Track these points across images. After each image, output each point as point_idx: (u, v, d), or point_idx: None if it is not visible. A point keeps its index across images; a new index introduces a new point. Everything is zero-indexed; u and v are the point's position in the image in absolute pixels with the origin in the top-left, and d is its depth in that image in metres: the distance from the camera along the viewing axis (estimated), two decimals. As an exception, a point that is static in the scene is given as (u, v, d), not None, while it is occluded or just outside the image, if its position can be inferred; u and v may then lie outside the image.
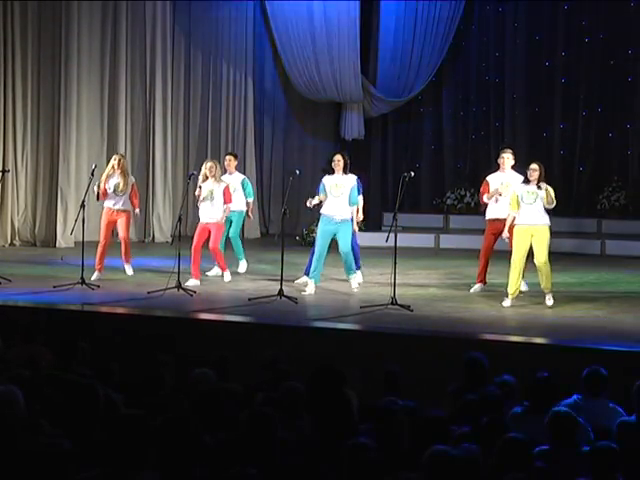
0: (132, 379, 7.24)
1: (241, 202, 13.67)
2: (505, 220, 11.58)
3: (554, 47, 18.64)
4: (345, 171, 12.18)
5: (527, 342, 9.61)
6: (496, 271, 12.48)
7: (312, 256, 12.42)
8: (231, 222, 13.55)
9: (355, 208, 12.22)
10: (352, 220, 12.20)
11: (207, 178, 12.77)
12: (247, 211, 13.86)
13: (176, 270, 11.82)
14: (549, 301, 11.19)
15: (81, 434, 5.50)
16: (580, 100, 18.50)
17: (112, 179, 12.99)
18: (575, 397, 6.79)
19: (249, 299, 11.50)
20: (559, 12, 18.53)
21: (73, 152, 17.02)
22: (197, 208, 12.97)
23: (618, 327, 10.19)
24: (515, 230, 11.26)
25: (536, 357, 8.95)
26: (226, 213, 12.83)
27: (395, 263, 11.15)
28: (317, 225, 12.61)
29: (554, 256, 11.42)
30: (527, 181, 11.23)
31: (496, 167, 12.72)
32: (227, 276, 12.88)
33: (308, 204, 12.43)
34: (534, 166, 11.21)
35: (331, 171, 12.31)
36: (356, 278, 12.36)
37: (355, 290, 12.08)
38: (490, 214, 12.30)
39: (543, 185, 11.11)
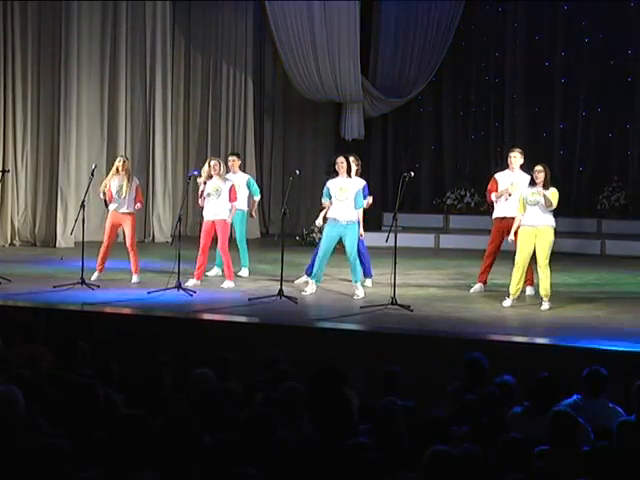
0: (132, 379, 7.24)
1: (244, 201, 13.63)
2: (512, 219, 11.58)
3: (554, 47, 18.65)
4: (349, 174, 12.10)
5: (527, 342, 9.61)
6: (498, 271, 12.49)
7: (314, 256, 12.39)
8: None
9: (361, 211, 12.07)
10: (358, 223, 12.01)
11: (211, 176, 12.68)
12: (251, 210, 13.80)
13: (176, 270, 11.82)
14: (544, 305, 11.12)
15: (81, 434, 5.50)
16: (580, 100, 18.50)
17: (115, 182, 12.90)
18: (575, 397, 6.79)
19: (249, 299, 11.50)
20: (559, 12, 18.54)
21: (73, 152, 17.02)
22: (199, 207, 12.85)
23: (618, 327, 10.19)
24: (520, 231, 11.26)
25: (536, 357, 8.95)
26: (232, 213, 12.74)
27: (395, 263, 11.14)
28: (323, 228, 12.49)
29: (554, 256, 11.40)
30: (533, 183, 11.24)
31: (504, 166, 12.72)
32: (229, 284, 12.71)
33: (317, 224, 12.46)
34: (539, 168, 11.22)
35: (334, 174, 12.25)
36: (360, 288, 11.93)
37: (355, 298, 11.84)
38: (498, 212, 12.28)
39: (548, 192, 11.09)
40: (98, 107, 17.71)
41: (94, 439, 5.42)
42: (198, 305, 11.34)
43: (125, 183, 12.85)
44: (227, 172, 13.34)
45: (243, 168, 13.97)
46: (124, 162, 13.01)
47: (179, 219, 12.78)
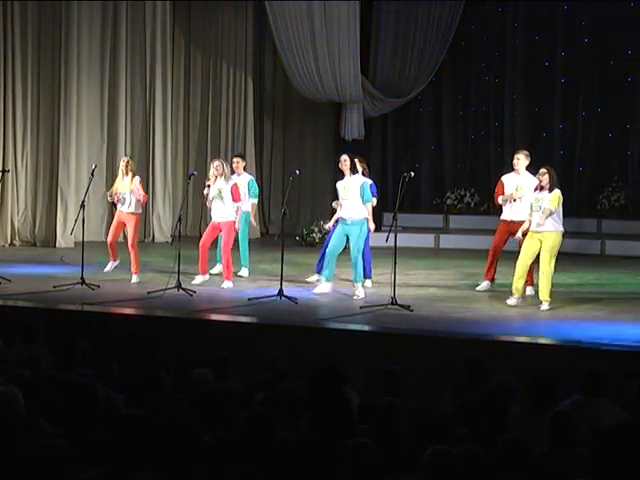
0: (132, 379, 7.24)
1: (248, 203, 13.61)
2: (519, 223, 11.64)
3: (554, 47, 18.63)
4: (353, 171, 12.08)
5: (527, 342, 9.61)
6: (499, 271, 12.51)
7: (322, 254, 12.39)
8: None
9: (369, 205, 12.00)
10: (367, 219, 11.96)
11: (216, 178, 12.64)
12: (251, 215, 13.73)
13: (176, 270, 11.82)
14: (543, 306, 11.12)
15: (81, 434, 5.50)
16: (580, 100, 18.49)
17: (122, 183, 12.95)
18: (575, 397, 6.78)
19: (249, 299, 11.50)
20: (559, 12, 18.52)
21: (73, 152, 17.02)
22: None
23: (618, 327, 10.19)
24: (528, 234, 11.30)
25: (536, 357, 8.95)
26: (238, 214, 12.73)
27: (395, 263, 11.14)
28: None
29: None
30: (541, 187, 11.24)
31: (504, 166, 12.76)
32: (228, 284, 12.67)
33: (327, 227, 12.56)
34: (543, 170, 11.24)
35: (341, 174, 12.26)
36: (360, 289, 11.90)
37: (355, 298, 11.80)
38: (505, 215, 12.30)
39: (549, 196, 11.09)
40: (98, 107, 17.72)
41: (94, 439, 5.42)
42: (198, 305, 11.33)
43: (127, 182, 12.86)
44: (232, 173, 13.25)
45: (243, 168, 13.93)
46: (127, 163, 13.01)
47: (179, 219, 12.76)
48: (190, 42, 18.93)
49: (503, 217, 12.31)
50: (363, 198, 11.91)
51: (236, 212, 12.61)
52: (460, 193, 19.04)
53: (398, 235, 11.33)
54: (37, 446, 4.89)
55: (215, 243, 13.04)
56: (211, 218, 12.84)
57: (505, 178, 12.39)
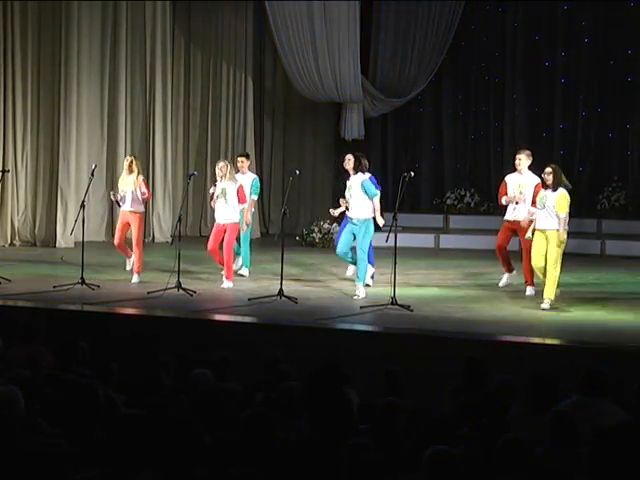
0: (132, 379, 7.24)
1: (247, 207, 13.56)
2: (520, 223, 11.81)
3: (554, 47, 18.64)
4: (356, 170, 12.07)
5: (527, 342, 9.61)
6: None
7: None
8: None
9: (376, 199, 11.91)
10: (376, 214, 11.90)
11: (221, 179, 12.63)
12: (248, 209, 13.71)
13: (176, 270, 11.82)
14: (544, 304, 11.13)
15: (81, 434, 5.50)
16: (580, 100, 18.51)
17: (125, 181, 12.94)
18: (575, 397, 6.78)
19: (249, 299, 11.50)
20: (559, 12, 18.53)
21: (73, 152, 17.02)
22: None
23: (618, 327, 10.19)
24: (535, 233, 11.35)
25: (536, 357, 8.95)
26: (245, 217, 12.74)
27: (395, 263, 11.14)
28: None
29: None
30: (546, 186, 11.27)
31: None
32: (228, 284, 12.66)
33: (331, 211, 12.56)
34: (548, 169, 11.27)
35: (346, 174, 12.27)
36: (361, 288, 11.84)
37: (355, 298, 11.77)
38: (508, 216, 12.32)
39: (554, 195, 11.15)
40: (98, 107, 17.71)
41: (94, 439, 5.42)
42: (198, 305, 11.33)
43: (131, 182, 12.85)
44: (236, 172, 13.21)
45: (248, 167, 13.87)
46: (130, 162, 12.98)
47: (179, 219, 12.75)
48: (190, 42, 18.93)
49: (506, 217, 12.33)
50: (368, 194, 11.90)
51: (241, 213, 12.63)
52: (460, 193, 19.05)
53: (398, 235, 11.33)
54: (37, 446, 4.89)
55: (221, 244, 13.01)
56: (214, 219, 12.84)
57: (508, 178, 12.40)
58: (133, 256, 12.89)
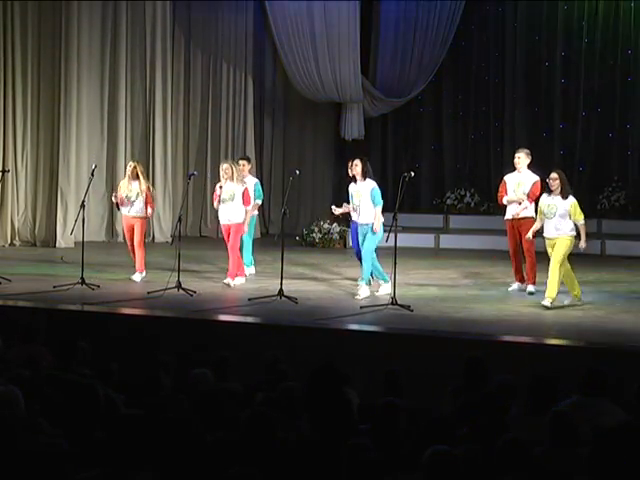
0: (132, 379, 7.24)
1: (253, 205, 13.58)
2: (521, 219, 11.92)
3: (554, 47, 18.65)
4: (364, 176, 12.06)
5: (527, 342, 9.61)
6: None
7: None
8: None
9: (379, 209, 11.93)
10: (376, 219, 11.88)
11: (225, 181, 12.62)
12: (248, 216, 13.71)
13: (176, 270, 11.82)
14: (544, 301, 11.16)
15: (81, 434, 5.50)
16: (580, 100, 18.51)
17: (128, 187, 12.94)
18: (575, 397, 6.79)
19: (249, 299, 11.50)
20: (559, 12, 18.53)
21: (73, 152, 17.02)
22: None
23: (618, 327, 10.19)
24: (546, 242, 11.41)
25: (536, 357, 8.95)
26: (247, 218, 12.76)
27: (395, 263, 11.14)
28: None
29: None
30: (549, 190, 11.29)
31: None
32: (232, 283, 12.66)
33: (333, 208, 12.59)
34: (554, 175, 11.30)
35: (348, 178, 12.25)
36: (364, 288, 11.84)
37: (357, 298, 11.71)
38: (508, 214, 12.34)
39: (569, 203, 11.21)
40: (98, 107, 17.72)
41: (94, 439, 5.42)
42: (198, 305, 11.33)
43: (134, 188, 12.85)
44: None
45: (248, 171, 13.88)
46: (134, 167, 12.98)
47: (179, 219, 12.76)
48: (190, 41, 18.93)
49: (506, 217, 12.35)
50: (374, 202, 11.92)
51: (245, 215, 12.65)
52: (460, 193, 19.06)
53: (398, 235, 11.33)
54: (37, 446, 4.90)
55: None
56: (218, 220, 12.86)
57: (507, 177, 12.43)
58: (134, 276, 12.88)
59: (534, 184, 12.02)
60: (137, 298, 11.67)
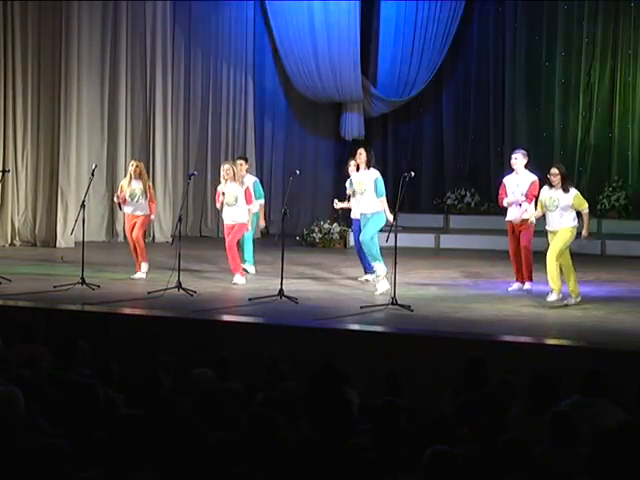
0: (132, 379, 7.24)
1: (255, 204, 13.57)
2: (524, 222, 11.93)
3: (554, 47, 18.64)
4: (368, 165, 12.13)
5: (527, 342, 9.61)
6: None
7: (362, 255, 12.41)
8: None
9: (383, 199, 12.05)
10: (385, 211, 12.07)
11: (226, 182, 12.65)
12: (258, 213, 13.76)
13: (176, 270, 11.82)
14: (549, 297, 11.23)
15: (81, 434, 5.50)
16: (580, 100, 18.50)
17: (130, 186, 12.95)
18: (575, 397, 6.79)
19: (249, 299, 11.50)
20: (559, 12, 18.53)
21: (73, 152, 17.02)
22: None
23: (618, 327, 10.19)
24: (548, 235, 11.47)
25: (536, 357, 8.95)
26: (250, 217, 12.82)
27: (395, 263, 11.15)
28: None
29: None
30: (550, 185, 11.34)
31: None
32: (239, 279, 12.73)
33: (334, 203, 12.72)
34: (554, 171, 11.34)
35: (356, 168, 12.29)
36: (383, 284, 11.95)
37: (376, 294, 11.85)
38: (509, 216, 12.36)
39: (571, 196, 11.23)
40: (98, 108, 17.72)
41: (94, 439, 5.42)
42: (198, 305, 11.33)
43: (137, 187, 12.88)
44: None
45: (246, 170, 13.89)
46: (136, 167, 13.02)
47: (179, 219, 12.77)
48: (190, 42, 18.92)
49: (507, 218, 12.36)
50: (377, 192, 11.97)
51: (248, 213, 12.72)
52: (460, 193, 19.05)
53: (398, 235, 11.33)
54: (37, 446, 4.89)
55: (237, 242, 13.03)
56: (220, 220, 12.91)
57: (506, 179, 12.44)
58: (142, 268, 12.91)
59: (532, 184, 12.04)
60: (137, 298, 11.67)
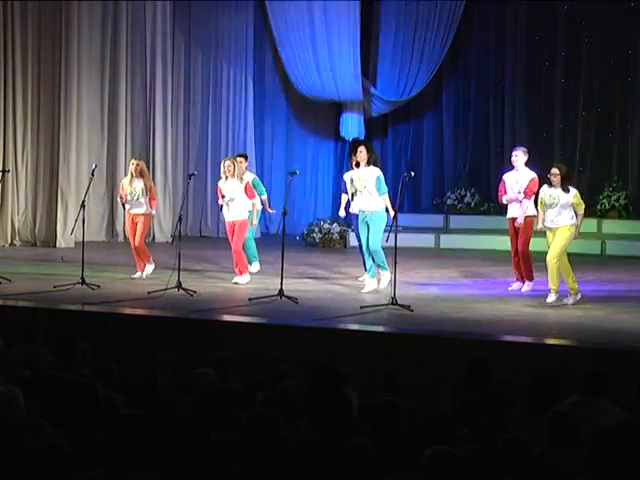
0: (132, 379, 7.24)
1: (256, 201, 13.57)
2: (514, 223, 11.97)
3: (554, 47, 18.64)
4: (369, 162, 12.09)
5: (527, 342, 9.61)
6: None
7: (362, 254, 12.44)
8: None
9: (386, 197, 12.00)
10: (386, 209, 12.01)
11: (227, 178, 12.66)
12: (264, 208, 13.77)
13: (176, 270, 11.82)
14: (548, 298, 11.24)
15: (81, 434, 5.50)
16: (580, 100, 18.51)
17: (132, 185, 12.95)
18: (575, 397, 6.78)
19: (249, 299, 11.49)
20: (559, 12, 18.53)
21: (73, 152, 17.02)
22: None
23: (618, 327, 10.19)
24: (546, 233, 11.50)
25: (536, 357, 8.95)
26: (255, 212, 12.81)
27: (395, 263, 11.15)
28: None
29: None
30: (550, 183, 11.37)
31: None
32: (244, 279, 12.72)
33: (341, 215, 12.74)
34: (554, 170, 11.36)
35: (356, 165, 12.24)
36: (386, 275, 12.03)
37: (381, 287, 11.95)
38: (509, 214, 12.37)
39: (569, 195, 11.25)
40: (98, 108, 17.72)
41: (94, 439, 5.41)
42: (198, 305, 11.33)
43: (138, 186, 12.87)
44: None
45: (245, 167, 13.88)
46: (136, 165, 13.01)
47: (179, 219, 12.77)
48: (190, 42, 18.93)
49: (508, 216, 12.38)
50: (379, 190, 11.94)
51: (250, 211, 12.71)
52: (460, 193, 19.05)
53: (398, 235, 11.33)
54: (37, 446, 4.89)
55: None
56: (224, 217, 12.89)
57: (506, 176, 12.46)
58: (146, 270, 12.92)
59: (531, 180, 12.07)
60: (137, 298, 11.67)
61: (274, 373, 7.43)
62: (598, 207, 18.03)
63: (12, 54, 16.84)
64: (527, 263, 12.15)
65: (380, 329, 10.20)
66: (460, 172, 19.46)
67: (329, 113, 19.55)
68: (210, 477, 5.08)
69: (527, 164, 12.32)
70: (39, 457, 4.81)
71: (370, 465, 5.10)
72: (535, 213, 11.83)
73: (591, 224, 17.54)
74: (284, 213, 12.02)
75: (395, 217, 11.43)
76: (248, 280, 12.67)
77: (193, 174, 13.67)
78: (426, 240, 17.48)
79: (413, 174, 11.94)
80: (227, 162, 12.76)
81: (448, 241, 17.59)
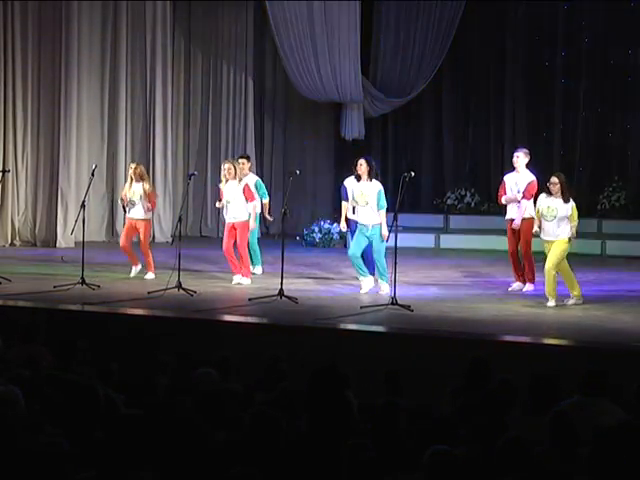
0: (132, 379, 7.24)
1: (257, 203, 13.56)
2: (523, 219, 11.96)
3: (554, 47, 18.64)
4: (370, 177, 12.04)
5: (527, 342, 9.61)
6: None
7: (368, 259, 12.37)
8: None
9: (383, 212, 11.98)
10: (382, 225, 11.92)
11: (227, 180, 12.66)
12: (263, 212, 13.75)
13: (176, 270, 11.82)
14: (549, 302, 11.26)
15: (81, 434, 5.50)
16: (580, 100, 18.51)
17: (131, 189, 12.96)
18: (575, 397, 6.79)
19: (249, 299, 11.50)
20: (559, 12, 18.53)
21: (73, 152, 17.02)
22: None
23: (618, 327, 10.19)
24: (544, 244, 11.48)
25: (537, 357, 8.95)
26: (253, 215, 12.79)
27: (395, 263, 11.14)
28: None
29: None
30: (549, 192, 11.34)
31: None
32: (245, 280, 12.71)
33: (342, 228, 12.74)
34: (554, 180, 11.34)
35: (357, 177, 12.17)
36: (385, 285, 11.96)
37: (381, 293, 11.88)
38: (508, 215, 12.38)
39: (567, 207, 11.25)
40: (98, 107, 17.72)
41: (94, 439, 5.41)
42: (198, 305, 11.33)
43: (136, 189, 12.88)
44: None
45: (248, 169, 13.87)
46: (135, 168, 13.03)
47: (179, 219, 12.78)
48: (190, 42, 18.93)
49: (507, 217, 12.39)
50: (378, 204, 11.91)
51: (250, 214, 12.67)
52: (460, 193, 19.05)
53: (398, 235, 11.34)
54: (37, 446, 4.90)
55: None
56: (224, 219, 12.89)
57: (507, 177, 12.48)
58: (139, 266, 12.94)
59: (529, 183, 12.11)
60: (137, 298, 11.67)
61: (274, 373, 7.43)
62: (598, 207, 18.03)
63: (12, 57, 16.83)
64: (530, 265, 12.17)
65: (380, 329, 10.21)
66: (460, 172, 19.45)
67: (329, 113, 19.54)
68: (210, 477, 5.08)
69: (528, 165, 12.33)
70: (39, 457, 4.81)
71: (370, 465, 5.11)
72: (533, 215, 11.82)
73: (591, 224, 17.54)
74: (284, 214, 12.02)
75: (395, 218, 11.40)
76: (249, 283, 12.66)
77: (193, 174, 13.68)
78: (426, 240, 17.48)
79: (413, 174, 11.95)
80: (227, 165, 12.77)
81: (448, 241, 17.59)
